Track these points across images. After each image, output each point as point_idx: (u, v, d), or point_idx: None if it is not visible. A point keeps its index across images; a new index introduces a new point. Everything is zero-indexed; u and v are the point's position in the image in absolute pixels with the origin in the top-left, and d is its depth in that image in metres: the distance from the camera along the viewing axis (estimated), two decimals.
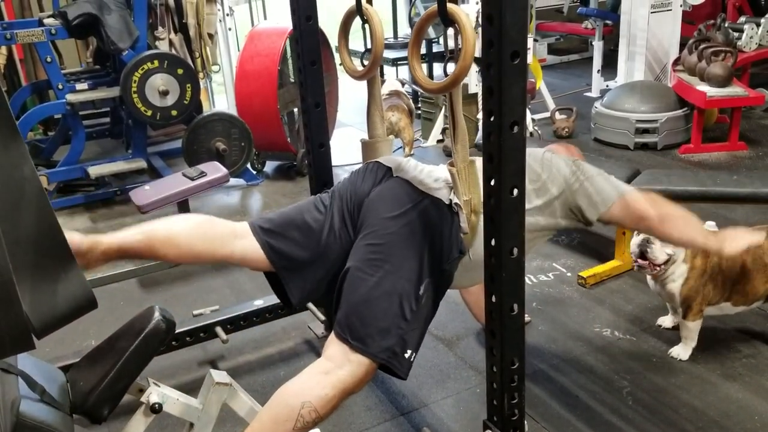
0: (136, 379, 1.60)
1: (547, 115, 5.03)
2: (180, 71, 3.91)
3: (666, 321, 2.53)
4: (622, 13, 5.23)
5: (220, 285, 3.05)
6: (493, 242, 1.46)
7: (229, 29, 5.26)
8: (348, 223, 1.82)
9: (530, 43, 4.32)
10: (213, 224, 1.85)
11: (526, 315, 1.61)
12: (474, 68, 4.25)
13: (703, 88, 4.23)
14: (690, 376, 2.25)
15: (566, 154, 2.12)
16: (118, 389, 1.54)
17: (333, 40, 4.28)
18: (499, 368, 1.56)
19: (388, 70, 6.30)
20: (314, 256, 1.82)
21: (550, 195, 1.85)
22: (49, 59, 3.90)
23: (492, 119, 1.36)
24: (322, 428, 1.91)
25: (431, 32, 5.18)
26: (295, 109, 4.48)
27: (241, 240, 1.81)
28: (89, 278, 2.06)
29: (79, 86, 4.05)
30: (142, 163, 4.15)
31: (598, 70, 5.75)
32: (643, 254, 2.27)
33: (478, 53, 1.68)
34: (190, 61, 4.18)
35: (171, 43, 4.25)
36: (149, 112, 3.91)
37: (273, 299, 2.42)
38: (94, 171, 4.01)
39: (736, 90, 4.23)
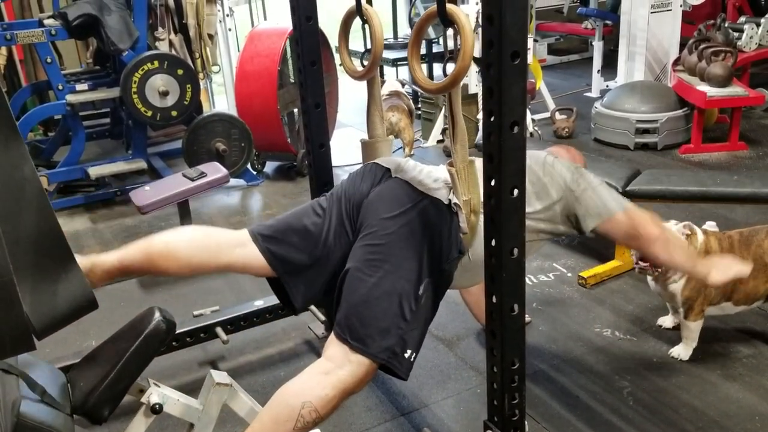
0: (137, 379, 1.61)
1: (547, 115, 5.03)
2: (180, 72, 3.91)
3: (666, 321, 2.53)
4: (622, 13, 5.23)
5: (221, 285, 3.05)
6: (493, 242, 1.46)
7: (229, 30, 5.26)
8: (347, 225, 1.82)
9: (530, 43, 4.32)
10: (212, 234, 1.86)
11: (526, 315, 1.62)
12: (474, 68, 4.26)
13: (703, 88, 4.23)
14: (690, 376, 2.25)
15: (567, 157, 2.13)
16: (118, 390, 1.54)
17: (333, 41, 4.28)
18: (499, 368, 1.56)
19: (388, 71, 6.30)
20: (315, 259, 1.82)
21: (551, 199, 1.86)
22: (49, 60, 3.90)
23: (492, 119, 1.36)
24: (323, 428, 1.91)
25: (431, 32, 5.18)
26: (295, 110, 4.48)
27: (241, 248, 1.83)
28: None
29: (79, 87, 4.05)
30: (142, 164, 4.15)
31: (598, 71, 5.75)
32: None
33: (478, 53, 1.69)
34: (190, 62, 4.18)
35: (171, 44, 4.25)
36: (149, 113, 3.91)
37: (273, 300, 2.42)
38: (95, 171, 4.01)
39: (736, 90, 4.23)
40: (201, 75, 4.34)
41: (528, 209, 1.61)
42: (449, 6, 1.56)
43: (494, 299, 1.51)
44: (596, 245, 3.16)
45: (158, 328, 1.59)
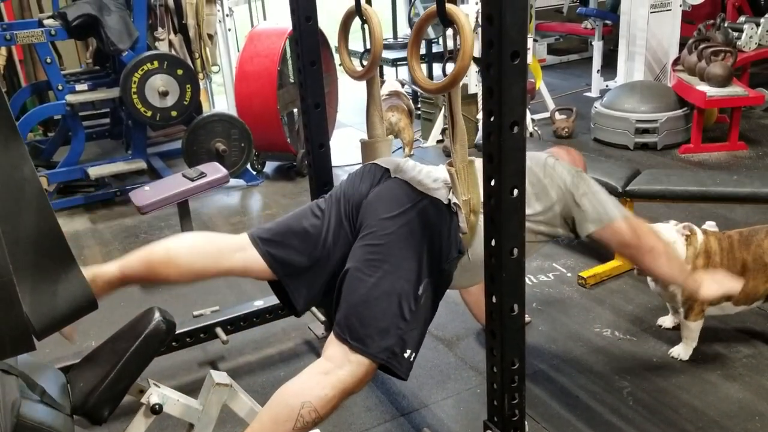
0: (137, 380, 1.60)
1: (546, 115, 5.03)
2: (180, 72, 3.91)
3: (666, 321, 2.53)
4: (621, 13, 5.23)
5: (220, 286, 3.04)
6: (493, 242, 1.46)
7: (229, 30, 5.26)
8: (346, 226, 1.83)
9: (530, 43, 4.32)
10: (211, 240, 1.88)
11: (526, 315, 1.61)
12: (474, 68, 4.26)
13: (703, 87, 4.23)
14: (690, 376, 2.25)
15: (568, 159, 2.13)
16: (118, 390, 1.54)
17: (333, 41, 4.28)
18: (499, 369, 1.56)
19: (388, 71, 6.30)
20: (315, 261, 1.83)
21: (550, 201, 1.86)
22: (48, 60, 3.90)
23: (492, 119, 1.36)
24: (322, 428, 1.91)
25: (431, 32, 5.18)
26: (295, 110, 4.48)
27: (241, 252, 1.84)
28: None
29: (78, 87, 4.05)
30: (141, 164, 4.15)
31: (598, 70, 5.75)
32: None
33: (477, 53, 1.69)
34: (189, 62, 4.18)
35: (171, 44, 4.25)
36: (149, 113, 3.91)
37: (273, 300, 2.42)
38: (94, 172, 4.01)
39: (736, 90, 4.23)
40: (201, 75, 4.35)
41: (528, 211, 1.61)
42: (449, 6, 1.56)
43: (494, 299, 1.51)
44: (596, 245, 3.15)
45: (158, 329, 1.59)
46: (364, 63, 2.02)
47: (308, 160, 2.40)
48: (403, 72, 6.16)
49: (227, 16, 5.20)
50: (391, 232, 1.71)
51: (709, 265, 2.24)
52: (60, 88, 3.94)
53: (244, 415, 1.79)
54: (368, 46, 2.00)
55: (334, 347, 1.66)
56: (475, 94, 4.51)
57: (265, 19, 5.69)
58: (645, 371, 2.28)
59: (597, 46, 5.73)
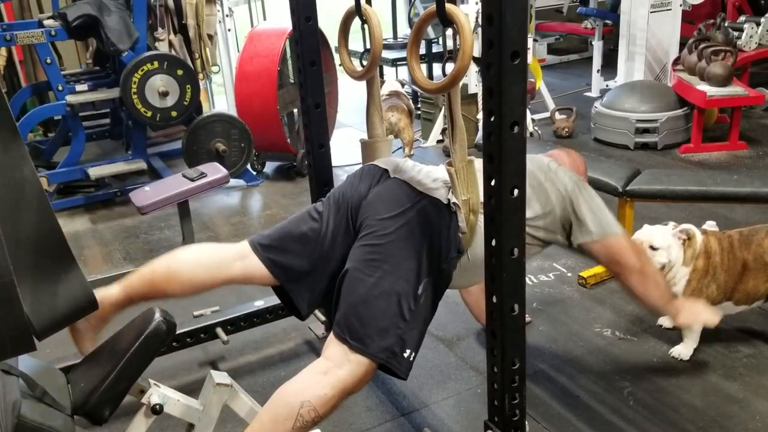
0: (137, 380, 1.60)
1: (547, 115, 5.03)
2: (180, 72, 3.91)
3: (667, 321, 2.52)
4: (621, 12, 5.23)
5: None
6: (493, 242, 1.46)
7: (229, 30, 5.26)
8: (346, 226, 1.83)
9: (530, 43, 4.32)
10: (211, 251, 1.89)
11: (526, 315, 1.61)
12: (474, 68, 4.26)
13: (703, 87, 4.23)
14: (691, 376, 2.25)
15: (568, 161, 2.14)
16: (119, 390, 1.54)
17: (332, 41, 4.28)
18: (500, 369, 1.56)
19: (388, 71, 6.31)
20: (315, 264, 1.83)
21: (550, 204, 1.87)
22: (48, 60, 3.90)
23: (492, 119, 1.36)
24: (323, 428, 1.91)
25: (431, 32, 5.18)
26: (295, 110, 4.48)
27: (242, 260, 1.85)
28: (90, 279, 2.06)
29: (78, 87, 4.05)
30: (142, 164, 4.15)
31: (598, 70, 5.75)
32: None
33: (477, 53, 1.69)
34: (189, 62, 4.18)
35: (171, 44, 4.25)
36: (149, 113, 3.91)
37: (273, 300, 2.42)
38: (94, 172, 4.01)
39: (736, 89, 4.23)
40: (201, 75, 4.35)
41: (528, 213, 1.61)
42: (448, 6, 1.56)
43: (494, 299, 1.51)
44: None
45: (158, 329, 1.59)
46: (364, 63, 2.02)
47: (308, 160, 2.40)
48: (403, 72, 6.16)
49: (227, 16, 5.21)
50: (390, 232, 1.71)
51: (709, 266, 2.24)
52: (60, 88, 3.94)
53: (245, 415, 1.79)
54: (368, 46, 2.00)
55: (333, 347, 1.66)
56: (475, 94, 4.52)
57: (265, 19, 5.69)
58: (645, 371, 2.28)
59: (597, 46, 5.73)
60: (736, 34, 4.85)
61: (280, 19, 4.75)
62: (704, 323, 2.05)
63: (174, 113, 3.96)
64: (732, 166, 4.12)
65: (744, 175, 2.88)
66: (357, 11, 2.00)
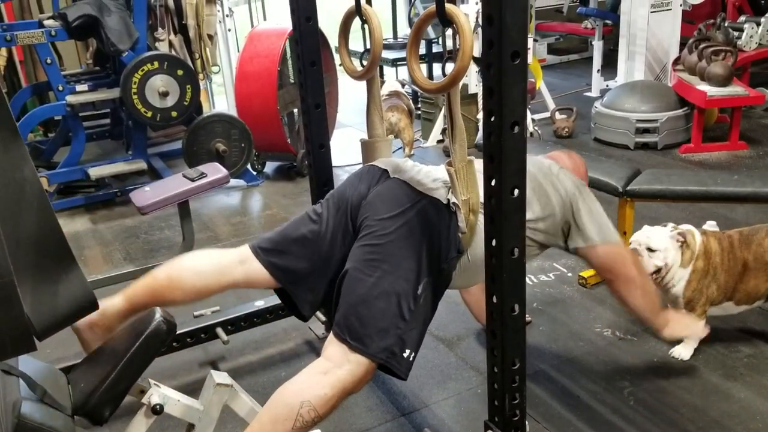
0: (138, 380, 1.60)
1: (547, 115, 5.03)
2: (180, 72, 3.91)
3: None
4: (621, 12, 5.23)
5: None
6: (494, 242, 1.46)
7: (229, 30, 5.26)
8: (346, 227, 1.83)
9: (530, 43, 4.32)
10: (212, 257, 1.90)
11: (527, 315, 1.61)
12: (474, 68, 4.26)
13: (704, 87, 4.23)
14: (691, 376, 2.25)
15: (569, 163, 2.15)
16: (119, 390, 1.54)
17: (333, 41, 4.28)
18: (500, 369, 1.56)
19: (388, 71, 6.31)
20: (316, 265, 1.84)
21: (551, 207, 1.88)
22: (49, 61, 3.90)
23: (492, 119, 1.36)
24: (323, 428, 1.91)
25: (431, 32, 5.18)
26: (295, 110, 4.48)
27: (243, 265, 1.86)
28: (90, 280, 2.06)
29: (79, 88, 4.05)
30: (142, 165, 4.15)
31: (598, 70, 5.75)
32: None
33: (477, 53, 1.69)
34: (189, 63, 4.18)
35: (171, 45, 4.25)
36: (149, 114, 3.91)
37: (273, 300, 2.42)
38: (95, 172, 4.01)
39: (737, 89, 4.22)
40: (201, 75, 4.35)
41: (528, 215, 1.61)
42: (448, 6, 1.56)
43: (495, 299, 1.51)
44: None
45: (159, 329, 1.59)
46: (364, 63, 2.02)
47: (308, 160, 2.40)
48: (404, 72, 6.16)
49: (227, 16, 5.21)
50: (390, 232, 1.71)
51: (709, 266, 2.24)
52: (60, 88, 3.95)
53: (245, 415, 1.79)
54: (368, 46, 2.00)
55: (333, 347, 1.66)
56: (476, 94, 4.52)
57: (265, 19, 5.69)
58: (646, 371, 2.28)
59: (597, 46, 5.73)
60: (736, 34, 4.85)
61: (280, 19, 4.75)
62: (691, 336, 2.10)
63: (174, 113, 3.96)
64: (732, 166, 4.12)
65: (744, 175, 2.88)
66: (357, 11, 2.00)
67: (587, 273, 2.87)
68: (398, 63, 5.84)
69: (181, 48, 4.29)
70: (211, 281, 1.85)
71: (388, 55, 5.71)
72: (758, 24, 4.92)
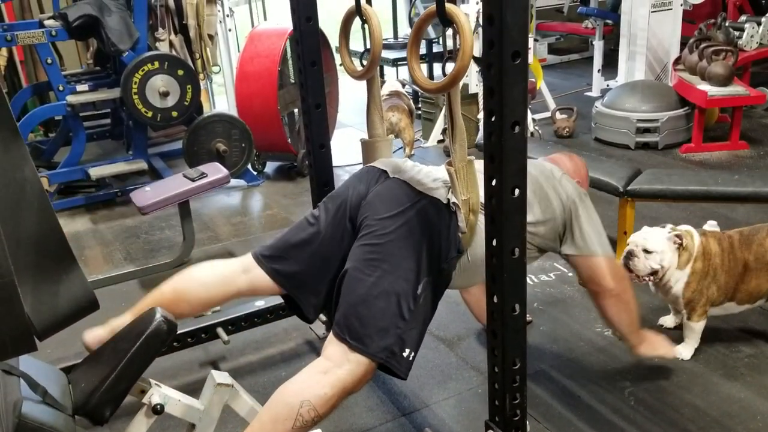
0: (138, 380, 1.61)
1: (547, 114, 5.03)
2: (180, 72, 3.91)
3: (668, 321, 2.52)
4: (622, 12, 5.23)
5: None
6: (494, 242, 1.46)
7: (230, 30, 5.26)
8: (345, 227, 1.83)
9: (531, 43, 4.32)
10: (216, 268, 1.92)
11: (527, 315, 1.61)
12: (474, 68, 4.26)
13: (704, 87, 4.23)
14: (692, 375, 2.25)
15: (570, 165, 2.16)
16: (119, 390, 1.54)
17: (333, 41, 4.28)
18: (500, 368, 1.56)
19: (389, 71, 6.30)
20: (317, 267, 1.85)
21: (552, 211, 1.89)
22: (49, 61, 3.91)
23: (493, 119, 1.36)
24: (323, 428, 1.91)
25: (431, 32, 5.18)
26: (296, 110, 4.49)
27: (247, 274, 1.88)
28: (90, 280, 2.06)
29: (79, 88, 4.05)
30: (142, 165, 4.15)
31: (599, 70, 5.75)
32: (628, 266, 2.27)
33: (478, 53, 1.68)
34: (190, 63, 4.18)
35: (171, 45, 4.25)
36: (150, 114, 3.91)
37: (274, 300, 2.42)
38: (95, 172, 4.01)
39: (737, 89, 4.22)
40: (201, 75, 4.34)
41: (529, 218, 1.61)
42: (448, 6, 1.56)
43: (496, 299, 1.51)
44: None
45: (159, 329, 1.59)
46: (364, 63, 2.02)
47: (309, 160, 2.40)
48: (404, 72, 6.16)
49: (228, 16, 5.20)
50: (390, 231, 1.71)
51: (709, 267, 2.23)
52: (61, 88, 3.95)
53: (245, 414, 1.79)
54: (368, 46, 2.00)
55: (333, 347, 1.66)
56: (476, 94, 4.51)
57: (265, 19, 5.69)
58: (646, 371, 2.28)
59: (598, 46, 5.73)
60: (737, 33, 4.85)
61: (280, 19, 4.75)
62: (663, 355, 2.15)
63: (175, 113, 3.96)
64: (733, 166, 4.11)
65: (745, 175, 2.88)
66: (357, 11, 2.00)
67: None
68: (399, 63, 5.84)
69: (181, 48, 4.29)
70: (217, 292, 1.88)
71: (388, 54, 5.71)
72: (759, 24, 4.91)
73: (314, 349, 2.54)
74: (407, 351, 1.67)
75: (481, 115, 4.33)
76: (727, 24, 4.86)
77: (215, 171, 3.20)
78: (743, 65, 4.87)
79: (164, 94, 3.89)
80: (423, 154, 4.70)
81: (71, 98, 3.92)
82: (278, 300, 1.99)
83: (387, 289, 1.66)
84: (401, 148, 4.49)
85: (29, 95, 4.81)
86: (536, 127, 4.66)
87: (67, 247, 1.22)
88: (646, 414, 2.09)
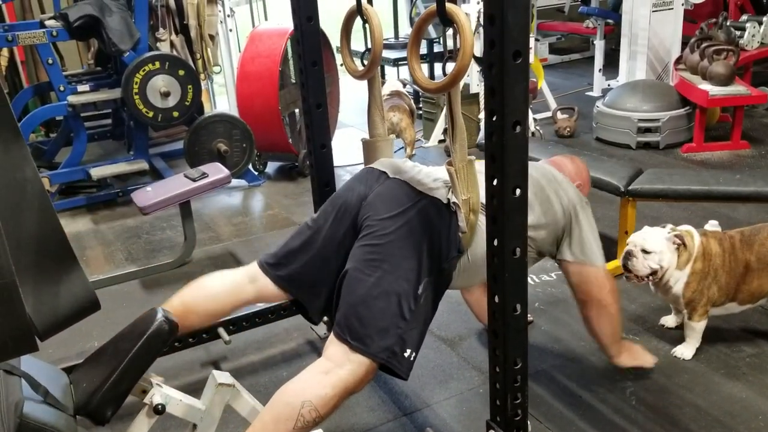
0: (140, 380, 1.61)
1: (548, 114, 5.03)
2: (181, 72, 3.92)
3: (669, 320, 2.52)
4: (623, 12, 5.23)
5: None
6: (495, 242, 1.46)
7: (230, 30, 5.26)
8: (345, 228, 1.83)
9: (532, 42, 4.32)
10: (223, 279, 1.94)
11: (528, 315, 1.61)
12: (475, 68, 4.26)
13: (705, 86, 4.22)
14: (693, 375, 2.25)
15: (572, 168, 2.16)
16: (121, 390, 1.54)
17: (333, 41, 4.28)
18: (502, 368, 1.55)
19: (389, 71, 6.30)
20: (319, 269, 1.86)
21: (553, 213, 1.90)
22: (50, 61, 3.91)
23: (494, 119, 1.36)
24: (325, 428, 1.91)
25: (432, 32, 5.18)
26: (297, 110, 4.49)
27: (254, 283, 1.91)
28: (92, 280, 2.06)
29: (80, 88, 4.06)
30: (143, 165, 4.15)
31: (600, 70, 5.74)
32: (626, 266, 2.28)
33: (479, 53, 1.68)
34: (191, 63, 4.19)
35: (172, 45, 4.25)
36: (151, 114, 3.91)
37: None
38: (96, 172, 4.02)
39: (739, 89, 4.22)
40: (202, 76, 4.35)
41: (530, 220, 1.61)
42: (449, 5, 1.56)
43: (497, 299, 1.51)
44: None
45: (161, 329, 1.59)
46: (365, 63, 2.02)
47: (310, 160, 2.40)
48: (405, 72, 6.16)
49: (228, 16, 5.20)
50: (390, 231, 1.71)
51: (709, 267, 2.23)
52: (62, 89, 3.95)
53: (247, 415, 1.79)
54: (369, 46, 2.00)
55: (334, 347, 1.66)
56: (477, 94, 4.51)
57: (266, 19, 5.69)
58: (648, 371, 2.28)
59: (599, 46, 5.72)
60: (738, 33, 4.84)
61: (281, 19, 4.75)
62: (641, 365, 2.18)
63: (176, 113, 3.96)
64: (734, 166, 4.11)
65: (746, 175, 2.88)
66: (358, 11, 2.00)
67: None
68: (400, 63, 5.83)
69: (182, 48, 4.29)
70: (225, 303, 1.91)
71: (389, 54, 5.71)
72: (760, 23, 4.91)
73: (315, 349, 2.54)
74: (408, 351, 1.67)
75: (482, 115, 4.33)
76: (728, 23, 4.85)
77: (216, 171, 3.21)
78: (744, 65, 4.86)
79: (165, 95, 3.89)
80: (424, 154, 4.70)
81: (72, 98, 3.93)
82: (278, 300, 1.99)
83: (387, 290, 1.66)
84: (402, 148, 4.49)
85: (30, 95, 4.81)
86: (537, 127, 4.66)
87: (68, 248, 1.22)
88: (647, 414, 2.08)
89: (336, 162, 2.44)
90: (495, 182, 1.41)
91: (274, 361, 2.51)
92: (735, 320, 2.48)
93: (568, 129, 4.77)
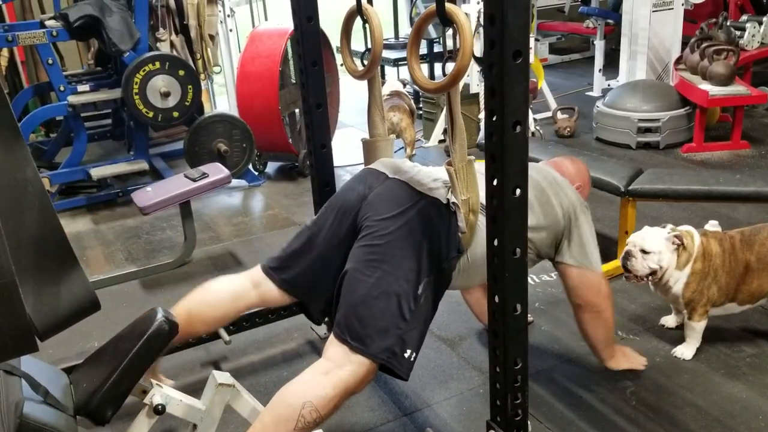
0: (140, 380, 1.61)
1: (548, 114, 5.03)
2: (181, 72, 3.92)
3: (669, 320, 2.52)
4: (623, 12, 5.23)
5: None
6: (495, 242, 1.46)
7: (230, 30, 5.26)
8: (345, 229, 1.83)
9: (532, 42, 4.32)
10: (227, 285, 1.95)
11: (529, 315, 1.61)
12: (475, 68, 4.25)
13: (706, 86, 4.22)
14: (693, 375, 2.25)
15: (573, 169, 2.17)
16: (121, 391, 1.54)
17: (333, 41, 4.28)
18: (502, 368, 1.55)
19: (390, 71, 6.30)
20: (320, 271, 1.86)
21: (551, 217, 1.90)
22: (50, 61, 3.91)
23: (494, 119, 1.36)
24: (325, 428, 1.91)
25: (432, 32, 5.18)
26: (297, 110, 4.49)
27: (257, 288, 1.92)
28: (92, 280, 2.06)
29: (80, 88, 4.06)
30: (143, 165, 4.15)
31: (600, 70, 5.74)
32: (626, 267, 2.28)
33: (479, 53, 1.68)
34: (191, 63, 4.19)
35: (172, 45, 4.25)
36: (151, 114, 3.91)
37: None
38: (96, 173, 4.02)
39: (739, 89, 4.22)
40: (202, 76, 4.35)
41: (533, 221, 1.62)
42: (448, 5, 1.56)
43: (497, 299, 1.51)
44: (598, 244, 3.14)
45: (161, 329, 1.59)
46: (365, 63, 2.02)
47: (310, 160, 2.40)
48: (405, 72, 6.16)
49: (228, 16, 5.21)
50: (390, 232, 1.71)
51: (709, 268, 2.23)
52: (62, 89, 3.95)
53: (247, 415, 1.79)
54: (369, 46, 2.00)
55: (334, 347, 1.66)
56: (477, 94, 4.51)
57: (266, 19, 5.70)
58: (648, 371, 2.28)
59: (599, 46, 5.72)
60: (738, 33, 4.84)
61: (281, 19, 4.75)
62: (632, 367, 2.21)
63: (176, 114, 3.96)
64: (734, 166, 4.11)
65: (746, 175, 2.87)
66: (358, 11, 2.00)
67: None
68: (400, 63, 5.83)
69: (182, 48, 4.29)
70: (229, 309, 1.92)
71: (389, 54, 5.71)
72: (760, 23, 4.91)
73: (316, 349, 2.54)
74: (408, 351, 1.67)
75: (482, 115, 4.33)
76: (728, 23, 4.85)
77: (216, 171, 3.21)
78: (744, 65, 4.86)
79: (165, 95, 3.89)
80: (424, 154, 4.70)
81: (72, 98, 3.93)
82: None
83: (387, 290, 1.66)
84: (402, 148, 4.49)
85: (30, 96, 4.81)
86: (537, 127, 4.66)
87: (69, 248, 1.22)
88: (647, 414, 2.08)
89: (336, 162, 2.44)
90: (495, 182, 1.41)
91: (275, 361, 2.51)
92: (735, 320, 2.48)
93: (568, 129, 4.77)
